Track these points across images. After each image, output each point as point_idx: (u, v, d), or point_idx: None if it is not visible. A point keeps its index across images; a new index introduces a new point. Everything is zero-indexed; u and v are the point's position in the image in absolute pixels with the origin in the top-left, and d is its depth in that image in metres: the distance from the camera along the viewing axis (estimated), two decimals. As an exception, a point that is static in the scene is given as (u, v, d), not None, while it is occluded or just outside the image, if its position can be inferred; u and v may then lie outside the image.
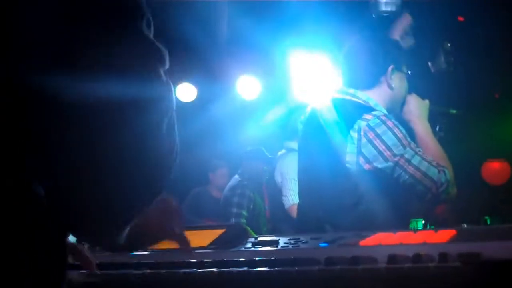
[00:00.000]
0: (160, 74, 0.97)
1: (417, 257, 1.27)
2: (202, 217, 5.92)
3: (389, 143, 2.41)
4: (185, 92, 6.80)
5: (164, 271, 1.51)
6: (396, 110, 2.65)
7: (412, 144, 2.46)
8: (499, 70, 5.79)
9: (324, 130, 2.58)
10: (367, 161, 2.43)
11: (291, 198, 4.66)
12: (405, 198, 2.48)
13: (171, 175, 1.02)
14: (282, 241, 1.68)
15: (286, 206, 4.77)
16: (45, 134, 0.92)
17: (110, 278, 1.58)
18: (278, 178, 5.00)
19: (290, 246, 1.63)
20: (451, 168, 2.49)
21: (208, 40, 5.48)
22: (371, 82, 2.61)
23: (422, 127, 2.62)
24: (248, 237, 1.78)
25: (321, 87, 3.52)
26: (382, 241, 1.51)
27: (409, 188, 2.42)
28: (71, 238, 1.27)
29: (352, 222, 2.43)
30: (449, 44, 4.79)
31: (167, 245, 1.42)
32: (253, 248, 1.68)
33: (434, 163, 2.43)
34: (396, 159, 2.40)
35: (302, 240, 1.65)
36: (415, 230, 1.62)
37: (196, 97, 6.82)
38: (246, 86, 6.60)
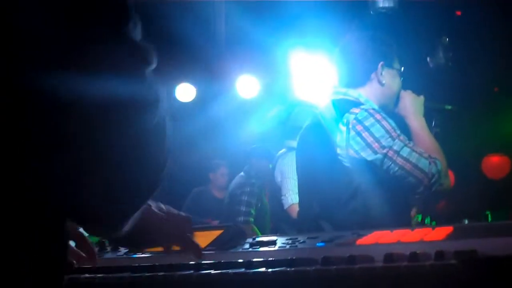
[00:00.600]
0: (143, 73, 0.98)
1: (413, 256, 1.27)
2: (202, 217, 5.92)
3: (377, 135, 2.43)
4: (185, 92, 6.81)
5: (161, 273, 1.51)
6: (390, 107, 2.67)
7: (402, 137, 2.47)
8: (498, 64, 5.79)
9: (318, 128, 2.61)
10: (357, 153, 2.45)
11: (291, 198, 4.65)
12: (399, 191, 2.48)
13: (166, 167, 1.04)
14: (280, 241, 1.67)
15: (285, 206, 4.76)
16: (45, 133, 0.93)
17: (108, 281, 1.58)
18: (278, 177, 4.98)
19: (288, 246, 1.62)
20: (444, 160, 2.50)
21: (207, 39, 5.49)
22: (362, 80, 2.64)
23: (417, 123, 2.63)
24: (246, 238, 1.78)
25: (319, 86, 3.53)
26: (379, 239, 1.51)
27: (400, 180, 2.42)
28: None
29: (348, 216, 2.45)
30: (447, 39, 4.78)
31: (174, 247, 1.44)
32: (250, 249, 1.68)
33: (425, 155, 2.44)
34: (385, 151, 2.42)
35: (300, 240, 1.65)
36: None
37: (196, 97, 6.83)
38: (246, 85, 6.60)
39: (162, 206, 1.39)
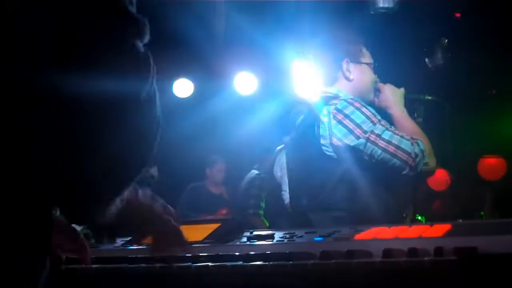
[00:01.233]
0: (137, 45, 0.99)
1: (412, 251, 1.27)
2: (199, 212, 5.92)
3: (358, 121, 2.51)
4: (182, 87, 6.80)
5: (159, 265, 1.51)
6: (367, 99, 2.74)
7: (383, 122, 2.54)
8: (496, 67, 5.80)
9: (307, 124, 2.71)
10: (340, 140, 2.51)
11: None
12: (385, 176, 2.52)
13: (153, 151, 1.05)
14: (277, 235, 1.67)
15: (286, 201, 4.76)
16: (44, 131, 0.94)
17: (105, 272, 1.58)
18: (277, 173, 4.98)
19: (285, 240, 1.62)
20: (428, 141, 2.57)
21: (205, 36, 5.47)
22: (333, 78, 2.77)
23: (397, 111, 2.72)
24: (243, 232, 1.77)
25: (312, 84, 3.56)
26: (377, 235, 1.51)
27: (385, 163, 2.47)
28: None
29: (335, 203, 2.52)
30: (446, 41, 4.78)
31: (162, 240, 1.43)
32: (248, 243, 1.68)
33: (406, 137, 2.50)
34: (367, 135, 2.48)
35: (297, 234, 1.65)
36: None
37: (193, 93, 6.82)
38: (243, 82, 6.59)
39: (148, 192, 1.37)
